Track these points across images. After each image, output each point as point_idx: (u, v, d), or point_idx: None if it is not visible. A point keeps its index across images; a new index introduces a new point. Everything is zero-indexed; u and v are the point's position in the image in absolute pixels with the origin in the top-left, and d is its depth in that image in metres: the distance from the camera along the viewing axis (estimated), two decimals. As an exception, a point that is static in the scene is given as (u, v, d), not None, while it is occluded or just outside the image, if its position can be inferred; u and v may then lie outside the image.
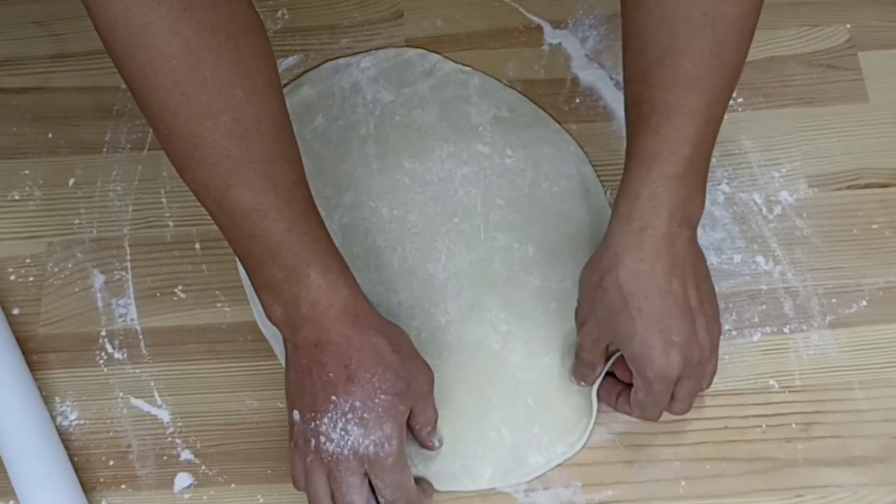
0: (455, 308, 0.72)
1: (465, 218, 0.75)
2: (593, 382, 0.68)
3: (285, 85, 0.80)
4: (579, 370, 0.68)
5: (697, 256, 0.63)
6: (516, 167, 0.76)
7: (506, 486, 0.68)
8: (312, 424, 0.61)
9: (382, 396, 0.60)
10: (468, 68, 0.80)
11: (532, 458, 0.68)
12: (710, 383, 0.67)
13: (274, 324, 0.62)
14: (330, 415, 0.60)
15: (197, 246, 0.76)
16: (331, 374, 0.60)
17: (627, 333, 0.61)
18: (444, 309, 0.72)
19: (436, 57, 0.81)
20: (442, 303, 0.72)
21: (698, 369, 0.63)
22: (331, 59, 0.81)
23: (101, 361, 0.73)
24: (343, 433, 0.60)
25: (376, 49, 0.81)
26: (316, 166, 0.76)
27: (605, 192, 0.75)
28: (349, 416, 0.60)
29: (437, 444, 0.67)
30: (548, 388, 0.70)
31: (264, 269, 0.60)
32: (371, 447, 0.60)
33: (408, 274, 0.73)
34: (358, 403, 0.60)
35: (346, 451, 0.60)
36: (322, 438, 0.60)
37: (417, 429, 0.65)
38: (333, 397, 0.60)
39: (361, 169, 0.77)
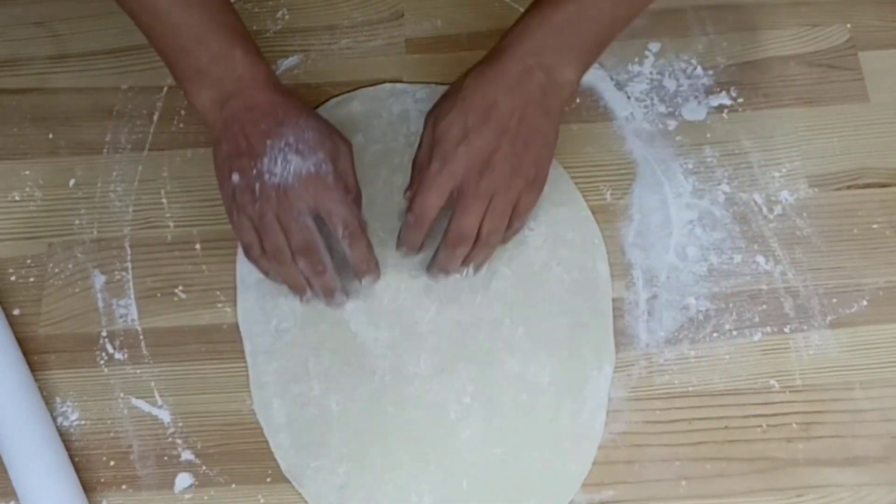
0: (427, 364, 0.70)
1: (467, 277, 0.72)
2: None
3: (338, 95, 0.80)
4: (412, 173, 0.70)
5: (544, 113, 0.67)
6: (534, 242, 0.74)
7: None
8: (254, 171, 0.66)
9: (310, 132, 0.67)
10: None
11: None
12: (492, 228, 0.68)
13: (200, 112, 0.68)
14: (269, 154, 0.66)
15: (197, 246, 0.76)
16: (261, 126, 0.67)
17: (444, 112, 0.67)
18: (416, 360, 0.71)
19: None
20: (416, 354, 0.71)
21: (478, 185, 0.66)
22: (390, 82, 0.80)
23: (102, 362, 0.73)
24: (285, 164, 0.66)
25: (437, 84, 0.80)
26: None
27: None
28: (286, 149, 0.66)
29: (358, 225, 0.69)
30: (488, 479, 0.67)
31: (189, 56, 0.67)
32: (311, 167, 0.66)
33: (394, 314, 0.72)
34: (291, 139, 0.67)
35: (290, 179, 0.66)
36: (266, 176, 0.66)
37: (340, 210, 0.67)
38: (268, 140, 0.66)
39: (383, 198, 0.75)
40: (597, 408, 0.69)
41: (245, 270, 0.74)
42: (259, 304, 0.73)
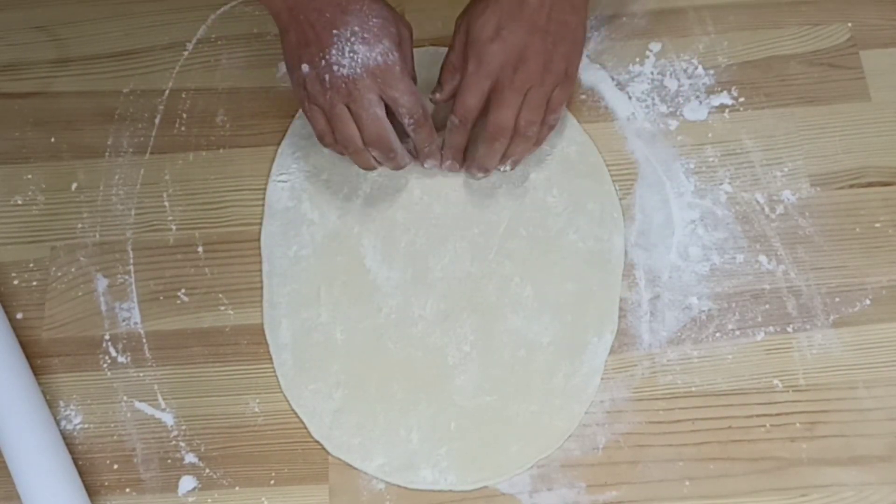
0: (433, 308, 0.73)
1: (484, 232, 0.75)
2: (443, 99, 0.73)
3: None
4: (443, 75, 0.72)
5: (571, 9, 0.69)
6: (555, 208, 0.75)
7: (448, 486, 0.69)
8: (323, 62, 0.68)
9: (375, 20, 0.68)
10: None
11: (423, 472, 0.69)
12: (529, 119, 0.70)
13: (274, 14, 0.70)
14: (336, 45, 0.67)
15: (199, 249, 0.76)
16: (327, 15, 0.68)
17: (476, 14, 0.69)
18: (423, 304, 0.73)
19: None
20: (424, 298, 0.73)
21: (513, 80, 0.68)
22: (434, 46, 0.81)
23: (105, 365, 0.73)
24: (352, 55, 0.67)
25: None
26: None
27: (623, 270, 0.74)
28: (352, 39, 0.67)
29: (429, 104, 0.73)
30: (475, 423, 0.70)
31: None
32: (378, 57, 0.67)
33: (409, 257, 0.74)
34: (357, 28, 0.67)
35: (358, 70, 0.67)
36: (335, 68, 0.67)
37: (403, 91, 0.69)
38: (335, 31, 0.67)
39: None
40: (592, 372, 0.71)
41: (274, 197, 0.77)
42: (282, 230, 0.76)
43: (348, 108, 0.68)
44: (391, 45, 0.68)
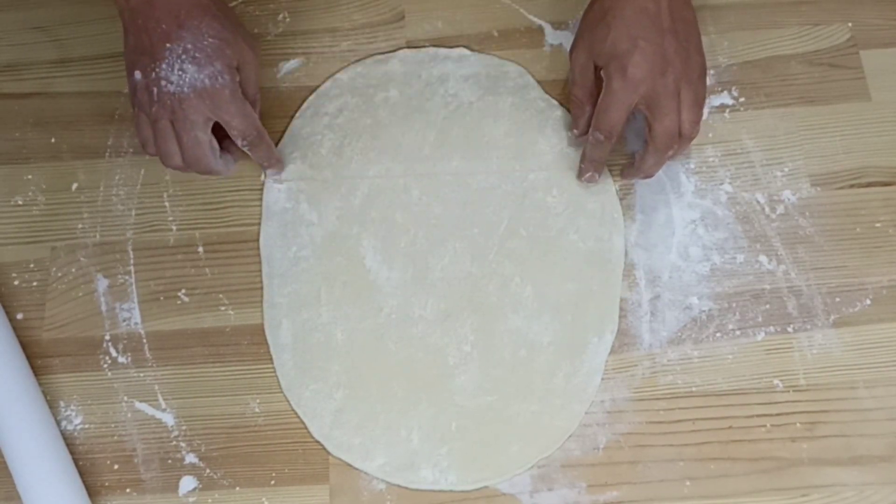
0: (433, 309, 0.73)
1: (484, 232, 0.75)
2: (582, 132, 0.73)
3: (381, 54, 0.82)
4: (573, 111, 0.74)
5: (685, 4, 0.69)
6: (555, 208, 0.75)
7: (447, 486, 0.69)
8: (153, 74, 0.67)
9: (210, 39, 0.67)
10: (555, 101, 0.79)
11: (424, 472, 0.69)
12: (691, 120, 0.68)
13: (119, 11, 0.68)
14: (167, 60, 0.66)
15: (200, 249, 0.76)
16: (163, 26, 0.67)
17: (601, 37, 0.68)
18: (423, 304, 0.73)
19: (532, 81, 0.80)
20: (424, 298, 0.73)
21: (665, 84, 0.67)
22: (436, 46, 0.81)
23: (105, 365, 0.73)
24: (181, 73, 0.66)
25: (483, 52, 0.81)
26: (373, 128, 0.78)
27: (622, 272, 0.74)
28: (183, 57, 0.66)
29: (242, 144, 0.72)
30: (475, 423, 0.70)
31: None
32: (206, 80, 0.67)
33: (409, 257, 0.74)
34: (189, 45, 0.67)
35: (185, 90, 0.67)
36: (163, 83, 0.67)
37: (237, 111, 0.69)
38: (168, 45, 0.66)
39: (413, 148, 0.78)
40: (592, 372, 0.71)
41: (272, 199, 0.77)
42: (281, 231, 0.76)
43: (172, 125, 0.68)
44: (223, 67, 0.67)
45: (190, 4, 0.67)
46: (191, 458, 0.70)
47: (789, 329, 0.71)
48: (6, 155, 0.80)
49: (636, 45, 0.67)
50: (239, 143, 0.71)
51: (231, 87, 0.68)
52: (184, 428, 0.71)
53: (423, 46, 0.81)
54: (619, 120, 0.68)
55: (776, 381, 0.70)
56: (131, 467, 0.70)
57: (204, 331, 0.73)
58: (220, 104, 0.68)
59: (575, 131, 0.74)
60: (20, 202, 0.79)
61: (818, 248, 0.74)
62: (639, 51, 0.67)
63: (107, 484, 0.70)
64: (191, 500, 0.69)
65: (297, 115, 0.80)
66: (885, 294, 0.72)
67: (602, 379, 0.71)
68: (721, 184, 0.76)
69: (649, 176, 0.73)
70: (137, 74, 0.68)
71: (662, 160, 0.70)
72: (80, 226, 0.77)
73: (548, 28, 0.82)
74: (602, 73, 0.69)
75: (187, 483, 0.69)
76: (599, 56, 0.68)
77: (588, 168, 0.74)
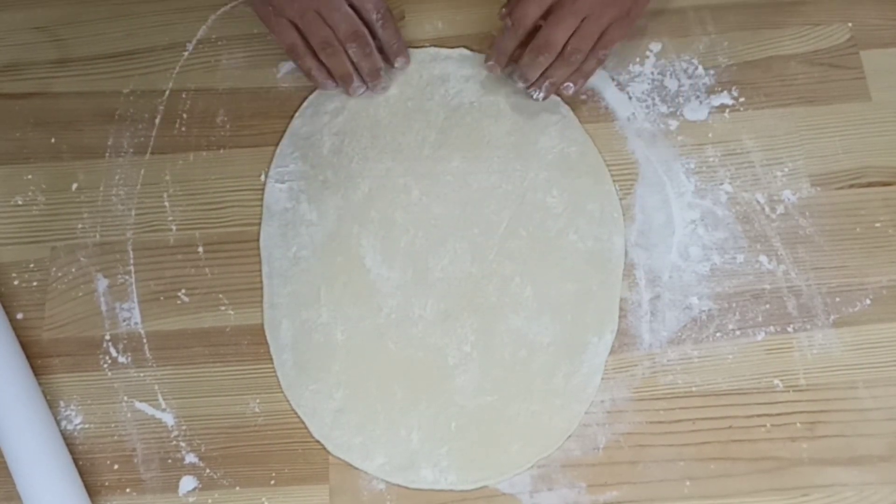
0: (433, 309, 0.73)
1: (484, 233, 0.75)
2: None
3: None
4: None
5: None
6: (554, 209, 0.75)
7: (448, 485, 0.69)
8: None
9: None
10: (558, 99, 0.79)
11: (424, 472, 0.69)
12: (578, 48, 0.71)
13: None
14: None
15: (200, 249, 0.76)
16: None
17: None
18: (423, 304, 0.73)
19: None
20: (424, 298, 0.73)
21: (582, 2, 0.69)
22: (436, 46, 0.82)
23: (105, 365, 0.73)
24: None
25: (483, 52, 0.81)
26: (373, 128, 0.78)
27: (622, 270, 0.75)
28: None
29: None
30: (475, 423, 0.70)
31: None
32: None
33: (409, 257, 0.74)
34: None
35: None
36: None
37: None
38: None
39: (413, 148, 0.78)
40: (592, 372, 0.71)
41: (272, 198, 0.76)
42: (281, 231, 0.76)
43: (318, 13, 0.72)
44: None
45: None
46: (191, 458, 0.70)
47: (789, 329, 0.71)
48: (6, 155, 0.80)
49: None
50: (373, 17, 0.74)
51: None
52: (184, 428, 0.71)
53: (424, 46, 0.81)
54: (531, 13, 0.72)
55: (776, 381, 0.70)
56: (131, 467, 0.70)
57: (204, 331, 0.73)
58: None
59: (504, 10, 0.75)
60: (20, 202, 0.79)
61: (818, 248, 0.74)
62: None
63: (107, 484, 0.70)
64: (191, 499, 0.69)
65: (297, 114, 0.80)
66: (885, 294, 0.72)
67: (602, 379, 0.71)
68: (721, 184, 0.76)
69: (523, 78, 0.75)
70: None
71: (535, 64, 0.73)
72: (80, 226, 0.77)
73: (548, 28, 0.82)
74: None
75: (187, 483, 0.69)
76: None
77: (492, 56, 0.76)
